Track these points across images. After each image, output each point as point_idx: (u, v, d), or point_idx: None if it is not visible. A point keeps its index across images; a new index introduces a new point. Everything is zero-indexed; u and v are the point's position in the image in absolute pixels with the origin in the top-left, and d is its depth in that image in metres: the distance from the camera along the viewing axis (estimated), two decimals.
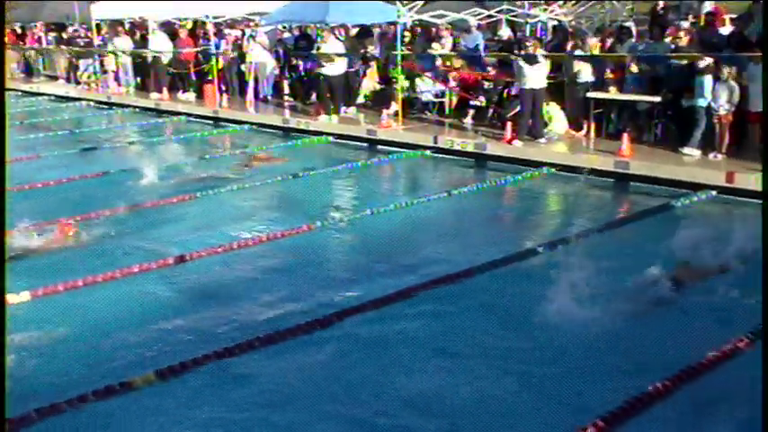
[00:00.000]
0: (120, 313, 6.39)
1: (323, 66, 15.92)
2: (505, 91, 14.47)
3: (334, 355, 5.59)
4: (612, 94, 12.67)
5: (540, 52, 12.86)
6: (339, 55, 15.93)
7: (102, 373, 5.21)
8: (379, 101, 16.71)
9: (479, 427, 4.65)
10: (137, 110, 20.24)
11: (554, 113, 13.14)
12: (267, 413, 4.83)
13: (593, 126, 12.85)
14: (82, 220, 8.98)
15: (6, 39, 28.12)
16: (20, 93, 25.45)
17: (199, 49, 20.24)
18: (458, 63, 15.27)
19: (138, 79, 22.53)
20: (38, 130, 16.61)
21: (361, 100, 17.30)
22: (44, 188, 10.83)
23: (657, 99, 11.81)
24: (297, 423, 4.71)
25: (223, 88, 19.29)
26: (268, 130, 16.39)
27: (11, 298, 6.31)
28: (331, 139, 14.94)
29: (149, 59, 20.93)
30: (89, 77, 23.91)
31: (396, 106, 15.03)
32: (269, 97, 18.92)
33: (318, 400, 4.95)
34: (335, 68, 15.87)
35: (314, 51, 16.62)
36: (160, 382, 5.09)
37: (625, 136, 11.47)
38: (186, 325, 6.16)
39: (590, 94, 12.76)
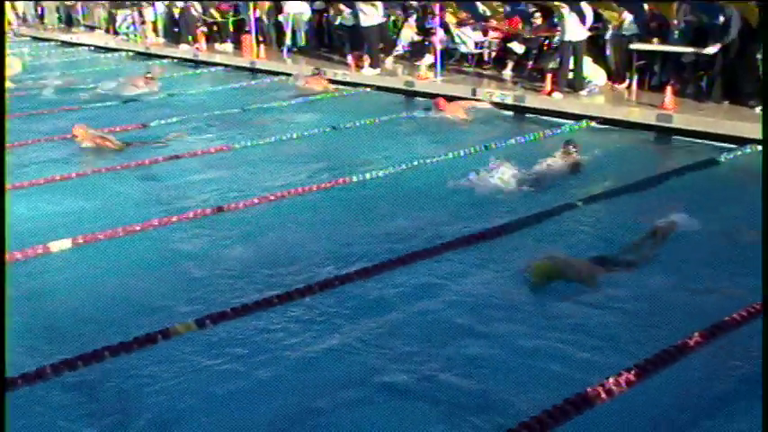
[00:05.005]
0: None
1: (359, 17, 15.77)
2: (545, 43, 14.23)
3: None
4: (656, 45, 12.34)
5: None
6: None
7: None
8: (417, 52, 16.52)
9: None
10: (174, 60, 20.30)
11: (589, 69, 12.85)
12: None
13: (635, 78, 12.57)
14: None
15: None
16: (59, 43, 25.65)
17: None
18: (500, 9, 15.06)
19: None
20: None
21: (399, 51, 17.11)
22: None
23: (703, 51, 11.46)
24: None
25: (260, 39, 19.22)
26: None
27: None
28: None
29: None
30: (127, 28, 24.00)
31: (431, 58, 14.86)
32: (305, 48, 18.82)
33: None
34: (371, 19, 15.68)
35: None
36: None
37: (668, 89, 11.21)
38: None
39: (633, 46, 12.46)
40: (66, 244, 6.67)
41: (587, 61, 12.76)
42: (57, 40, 26.12)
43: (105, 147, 10.50)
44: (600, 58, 13.19)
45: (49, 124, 12.28)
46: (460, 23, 15.39)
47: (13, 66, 18.82)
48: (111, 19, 25.25)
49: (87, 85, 16.33)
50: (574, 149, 9.16)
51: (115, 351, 4.81)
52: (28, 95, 15.37)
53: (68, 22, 29.15)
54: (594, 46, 13.13)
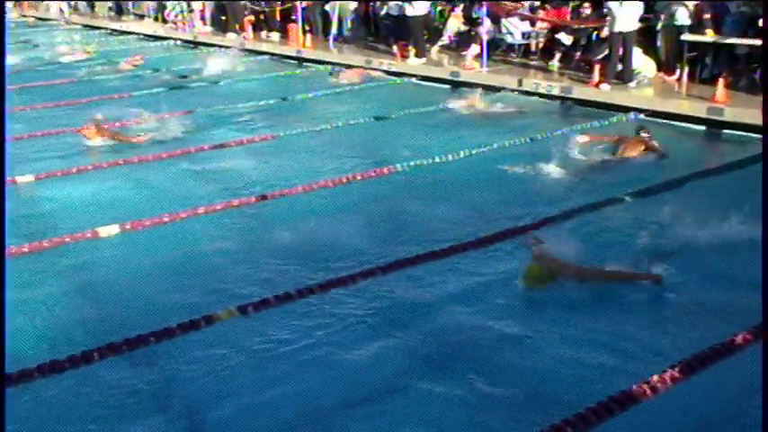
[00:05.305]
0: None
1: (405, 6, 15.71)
2: (594, 33, 14.01)
3: None
4: (709, 36, 12.06)
5: None
6: None
7: None
8: (463, 42, 16.40)
9: None
10: (221, 49, 20.43)
11: (639, 60, 12.62)
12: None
13: (686, 70, 12.31)
14: None
15: None
16: (109, 31, 26.00)
17: None
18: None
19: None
20: None
21: (445, 41, 16.99)
22: None
23: (758, 42, 11.14)
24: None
25: (306, 28, 19.24)
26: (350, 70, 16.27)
27: None
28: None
29: None
30: (176, 17, 24.26)
31: (477, 48, 14.75)
32: (350, 37, 18.83)
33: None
34: (417, 9, 15.60)
35: None
36: None
37: (720, 81, 10.95)
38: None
39: (684, 37, 12.20)
40: (113, 229, 6.77)
41: (638, 52, 12.53)
42: (107, 28, 26.49)
43: (119, 141, 10.39)
44: (650, 49, 12.96)
45: (98, 112, 12.45)
46: (508, 14, 15.23)
47: (85, 53, 19.17)
48: (161, 7, 25.54)
49: (137, 73, 16.63)
50: (647, 135, 9.21)
51: (159, 336, 4.87)
52: (81, 82, 15.70)
53: (119, 10, 29.54)
54: (645, 37, 12.89)
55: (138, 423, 4.22)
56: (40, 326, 5.28)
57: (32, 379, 4.38)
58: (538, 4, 15.36)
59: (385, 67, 15.69)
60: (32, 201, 8.05)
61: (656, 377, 4.19)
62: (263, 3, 20.99)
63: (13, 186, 8.29)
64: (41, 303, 5.61)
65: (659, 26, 12.82)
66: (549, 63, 14.46)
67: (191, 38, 22.31)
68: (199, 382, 4.59)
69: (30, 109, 12.80)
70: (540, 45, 15.35)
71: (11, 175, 8.51)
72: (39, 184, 8.46)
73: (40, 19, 31.71)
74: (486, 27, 14.75)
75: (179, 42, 22.34)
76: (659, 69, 12.85)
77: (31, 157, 9.55)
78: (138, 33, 24.57)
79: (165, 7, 25.12)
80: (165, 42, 22.51)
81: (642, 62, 12.64)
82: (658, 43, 12.96)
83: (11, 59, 18.60)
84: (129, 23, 26.39)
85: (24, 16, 33.18)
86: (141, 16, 27.49)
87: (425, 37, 16.16)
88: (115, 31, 25.76)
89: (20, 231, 6.95)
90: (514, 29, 15.32)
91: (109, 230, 6.75)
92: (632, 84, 12.32)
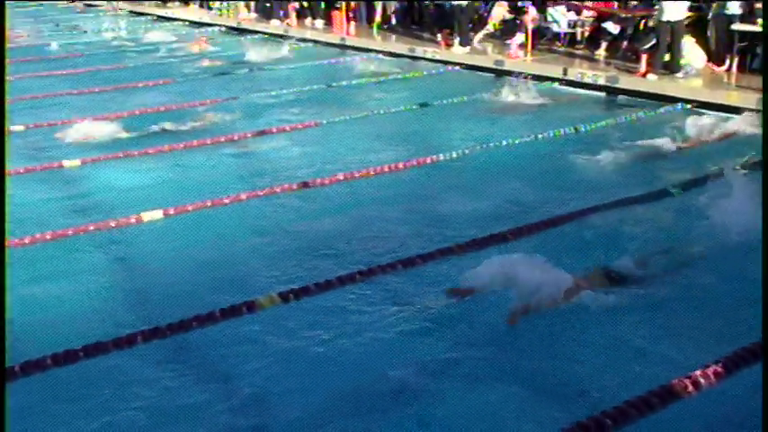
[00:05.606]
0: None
1: None
2: (642, 22, 13.79)
3: None
4: (760, 26, 11.78)
5: None
6: None
7: None
8: (508, 31, 16.25)
9: None
10: (265, 36, 20.51)
11: (689, 49, 12.38)
12: None
13: (736, 61, 12.04)
14: None
15: None
16: (155, 17, 26.27)
17: None
18: None
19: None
20: None
21: (489, 29, 16.85)
22: None
23: None
24: None
25: (350, 15, 19.23)
26: (393, 58, 16.22)
27: None
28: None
29: None
30: (221, 4, 24.42)
31: (522, 36, 14.60)
32: (395, 25, 18.79)
33: None
34: None
35: None
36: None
37: None
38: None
39: (735, 26, 11.93)
40: (157, 214, 6.85)
41: (688, 42, 12.29)
42: (152, 15, 26.78)
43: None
44: (701, 39, 12.70)
45: (145, 97, 12.63)
46: (554, 2, 15.06)
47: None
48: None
49: (182, 59, 16.80)
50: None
51: (202, 321, 4.91)
52: (127, 67, 15.92)
53: None
54: (695, 27, 12.64)
55: (175, 409, 4.27)
56: (81, 308, 5.37)
57: (77, 359, 4.46)
58: None
59: (429, 56, 15.63)
60: (78, 185, 8.19)
61: (699, 372, 4.12)
62: None
63: (60, 170, 8.46)
64: (83, 286, 5.70)
65: (710, 15, 12.56)
66: (596, 52, 14.27)
67: (235, 24, 22.44)
68: (239, 368, 4.63)
69: (77, 93, 13.03)
70: (586, 34, 15.15)
71: (58, 160, 8.70)
72: (84, 169, 8.59)
73: (87, 5, 32.14)
74: (531, 15, 14.60)
75: (224, 29, 22.48)
76: (708, 59, 12.60)
77: (78, 142, 9.71)
78: (183, 20, 24.79)
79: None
80: (209, 29, 22.68)
81: (691, 52, 12.40)
82: (708, 33, 12.69)
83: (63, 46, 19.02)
84: (174, 10, 26.63)
85: (73, 2, 33.65)
86: (186, 2, 27.70)
87: (470, 25, 16.04)
88: (161, 17, 26.02)
89: (65, 214, 7.10)
90: (560, 17, 15.13)
91: (153, 215, 6.83)
92: (680, 74, 12.09)
